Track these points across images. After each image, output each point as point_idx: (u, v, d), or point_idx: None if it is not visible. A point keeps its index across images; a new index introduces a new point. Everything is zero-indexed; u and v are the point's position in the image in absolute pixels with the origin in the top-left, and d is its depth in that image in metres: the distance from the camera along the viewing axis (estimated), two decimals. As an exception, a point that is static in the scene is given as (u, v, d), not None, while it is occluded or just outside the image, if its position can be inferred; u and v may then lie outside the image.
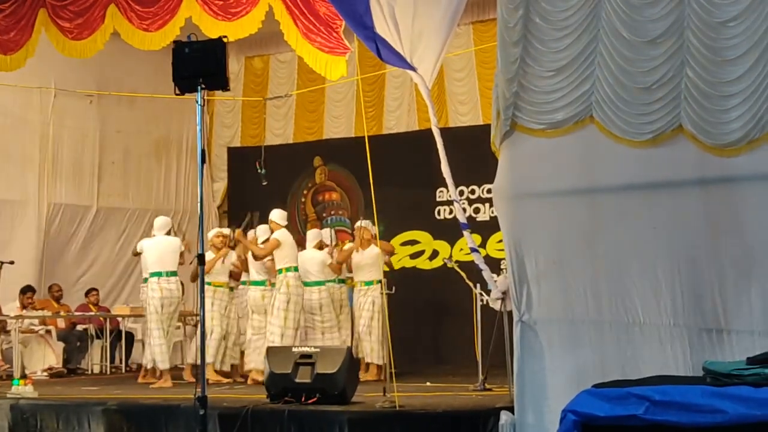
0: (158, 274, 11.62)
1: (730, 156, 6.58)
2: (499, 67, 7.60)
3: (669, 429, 5.53)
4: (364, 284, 11.97)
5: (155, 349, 11.65)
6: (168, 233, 12.04)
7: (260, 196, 14.72)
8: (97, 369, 14.16)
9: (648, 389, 5.68)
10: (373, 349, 11.74)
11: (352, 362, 9.03)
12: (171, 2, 11.69)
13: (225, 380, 11.74)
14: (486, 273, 8.53)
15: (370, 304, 11.84)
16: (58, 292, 14.55)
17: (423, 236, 14.72)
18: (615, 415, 5.65)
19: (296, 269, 11.59)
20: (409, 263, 14.73)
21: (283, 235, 11.63)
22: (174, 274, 11.70)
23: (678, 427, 5.51)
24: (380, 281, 11.70)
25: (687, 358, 6.73)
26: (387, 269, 10.09)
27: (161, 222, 12.15)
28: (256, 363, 11.35)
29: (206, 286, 11.52)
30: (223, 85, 7.77)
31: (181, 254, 11.85)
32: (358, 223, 12.44)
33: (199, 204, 7.78)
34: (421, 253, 14.58)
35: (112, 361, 14.28)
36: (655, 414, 5.56)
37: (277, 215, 11.91)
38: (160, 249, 11.75)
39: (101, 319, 14.38)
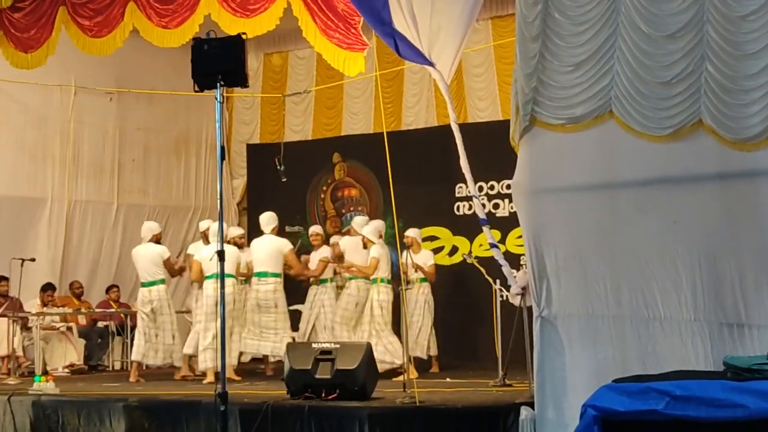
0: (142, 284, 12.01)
1: (750, 150, 6.57)
2: (518, 62, 7.60)
3: (689, 424, 5.53)
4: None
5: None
6: (154, 240, 12.16)
7: (280, 193, 14.74)
8: (118, 366, 14.19)
9: (668, 384, 5.68)
10: (387, 351, 11.59)
11: (372, 358, 9.02)
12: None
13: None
14: (505, 268, 8.53)
15: (377, 309, 11.67)
16: (79, 289, 14.59)
17: (442, 232, 14.68)
18: (635, 410, 5.65)
19: (258, 275, 11.80)
20: (428, 259, 14.68)
21: (251, 247, 12.05)
22: (152, 284, 11.91)
23: (698, 422, 5.51)
24: (376, 280, 11.71)
25: (708, 352, 6.71)
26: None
27: (143, 228, 12.44)
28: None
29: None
30: (242, 81, 7.80)
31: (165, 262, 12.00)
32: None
33: (218, 201, 7.81)
34: (441, 249, 14.53)
35: (133, 357, 14.31)
36: (676, 409, 5.57)
37: (262, 221, 12.23)
38: (138, 258, 12.14)
39: (122, 315, 14.40)
